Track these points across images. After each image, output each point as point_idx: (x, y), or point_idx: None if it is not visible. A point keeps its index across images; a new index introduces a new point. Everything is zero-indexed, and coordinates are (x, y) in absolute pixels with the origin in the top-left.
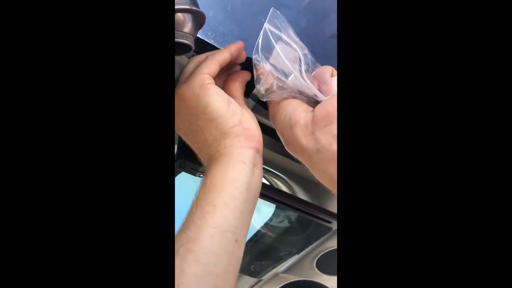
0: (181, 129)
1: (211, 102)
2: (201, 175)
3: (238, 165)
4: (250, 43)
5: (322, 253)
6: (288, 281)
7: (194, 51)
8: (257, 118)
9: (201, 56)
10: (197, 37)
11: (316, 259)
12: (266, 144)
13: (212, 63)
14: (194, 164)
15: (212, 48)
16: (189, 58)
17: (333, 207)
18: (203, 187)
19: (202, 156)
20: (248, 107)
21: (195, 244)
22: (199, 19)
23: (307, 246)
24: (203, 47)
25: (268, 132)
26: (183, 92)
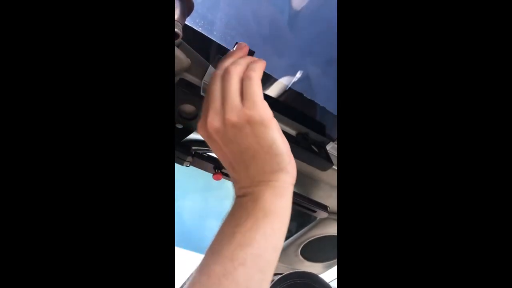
0: (231, 143)
1: (277, 139)
2: (188, 165)
3: (289, 198)
4: (238, 31)
5: (307, 241)
6: (285, 273)
7: (182, 39)
8: None
9: (241, 66)
10: (185, 24)
11: (301, 247)
12: None
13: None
14: (182, 153)
15: (200, 35)
16: (177, 46)
17: (317, 196)
18: (260, 209)
19: (247, 177)
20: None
21: (259, 259)
22: (187, 6)
23: (292, 235)
24: (192, 35)
25: None
26: (252, 115)
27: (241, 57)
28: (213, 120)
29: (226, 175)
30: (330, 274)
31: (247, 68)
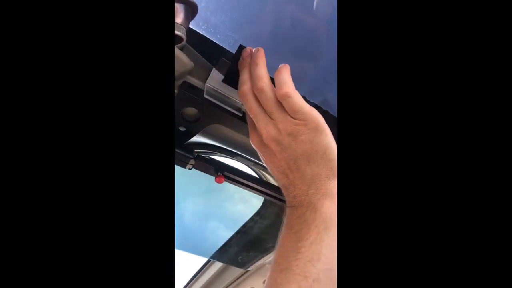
0: (286, 150)
1: (331, 143)
2: (191, 167)
3: None
4: (241, 34)
5: None
6: None
7: (186, 42)
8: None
9: (266, 77)
10: (189, 27)
11: None
12: None
13: None
14: (184, 156)
15: (203, 38)
16: (181, 49)
17: None
18: (322, 221)
19: (302, 183)
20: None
21: (331, 273)
22: (191, 10)
23: None
24: (195, 38)
25: None
26: (307, 123)
27: (257, 65)
28: (268, 130)
29: (228, 179)
30: None
31: (279, 86)
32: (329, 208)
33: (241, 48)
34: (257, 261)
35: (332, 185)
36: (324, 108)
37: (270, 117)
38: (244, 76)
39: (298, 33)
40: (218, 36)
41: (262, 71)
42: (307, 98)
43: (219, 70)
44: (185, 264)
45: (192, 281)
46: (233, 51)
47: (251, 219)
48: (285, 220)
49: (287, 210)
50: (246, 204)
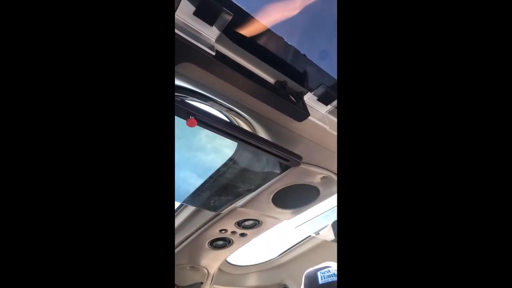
0: None
1: None
2: None
3: None
4: None
5: (278, 189)
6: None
7: None
8: (223, 52)
9: None
10: None
11: (272, 194)
12: (230, 80)
13: None
14: None
15: None
16: None
17: (292, 146)
18: None
19: None
20: (213, 35)
21: None
22: None
23: (264, 183)
24: None
25: (233, 66)
26: None
27: None
28: None
29: (201, 122)
30: (297, 220)
31: None
32: None
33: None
34: (229, 205)
35: None
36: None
37: None
38: None
39: None
40: None
41: None
42: (285, 40)
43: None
44: None
45: None
46: None
47: (225, 164)
48: None
49: None
50: (218, 154)
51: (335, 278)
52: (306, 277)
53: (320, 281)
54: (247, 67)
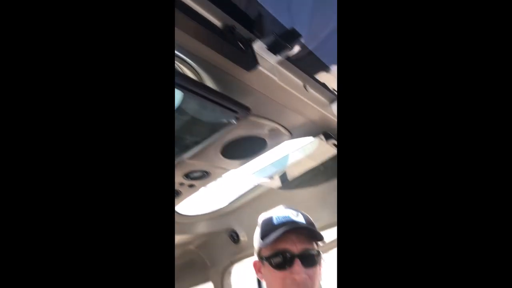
0: None
1: None
2: None
3: None
4: None
5: (227, 140)
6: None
7: None
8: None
9: None
10: None
11: (221, 146)
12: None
13: None
14: None
15: None
16: None
17: (240, 97)
18: None
19: None
20: None
21: None
22: None
23: (212, 134)
24: None
25: (178, 5)
26: None
27: None
28: None
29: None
30: (244, 170)
31: None
32: None
33: None
34: (176, 157)
35: None
36: None
37: None
38: None
39: None
40: None
41: None
42: None
43: None
44: None
45: None
46: None
47: None
48: None
49: None
50: None
51: (289, 218)
52: (262, 220)
53: (275, 222)
54: (192, 7)
